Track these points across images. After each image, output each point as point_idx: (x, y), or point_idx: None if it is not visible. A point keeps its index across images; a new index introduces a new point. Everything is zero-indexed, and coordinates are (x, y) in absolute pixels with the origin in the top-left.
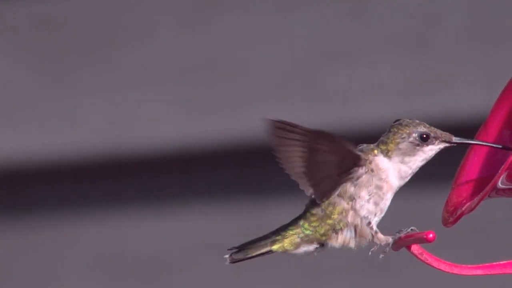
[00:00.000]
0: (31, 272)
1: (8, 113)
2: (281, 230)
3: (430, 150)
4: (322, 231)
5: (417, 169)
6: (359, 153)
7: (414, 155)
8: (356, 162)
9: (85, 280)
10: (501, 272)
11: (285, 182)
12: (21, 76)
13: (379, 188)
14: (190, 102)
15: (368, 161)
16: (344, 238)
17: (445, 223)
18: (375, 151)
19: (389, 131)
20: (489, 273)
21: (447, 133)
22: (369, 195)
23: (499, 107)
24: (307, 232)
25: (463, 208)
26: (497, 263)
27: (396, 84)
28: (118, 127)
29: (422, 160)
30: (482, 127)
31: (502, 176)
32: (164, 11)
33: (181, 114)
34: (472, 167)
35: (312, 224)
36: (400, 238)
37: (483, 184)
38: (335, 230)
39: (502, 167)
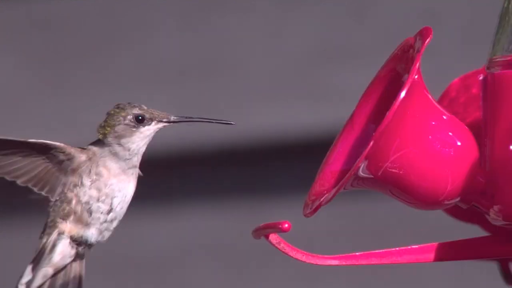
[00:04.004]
0: None
1: (8, 113)
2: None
3: (147, 130)
4: (53, 219)
5: (139, 148)
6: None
7: (131, 136)
8: (60, 152)
9: (85, 280)
10: (356, 263)
11: (285, 182)
12: (21, 76)
13: (99, 174)
14: (190, 102)
15: (90, 151)
16: (70, 226)
17: (304, 213)
18: (88, 146)
19: (107, 115)
20: (344, 263)
21: (165, 113)
22: (91, 181)
23: (365, 101)
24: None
25: (321, 199)
26: (353, 254)
27: None
28: None
29: (141, 140)
30: (349, 120)
31: (361, 167)
32: (164, 10)
33: (181, 114)
34: (336, 158)
35: (52, 213)
36: (259, 227)
37: (344, 176)
38: (63, 218)
39: (359, 159)
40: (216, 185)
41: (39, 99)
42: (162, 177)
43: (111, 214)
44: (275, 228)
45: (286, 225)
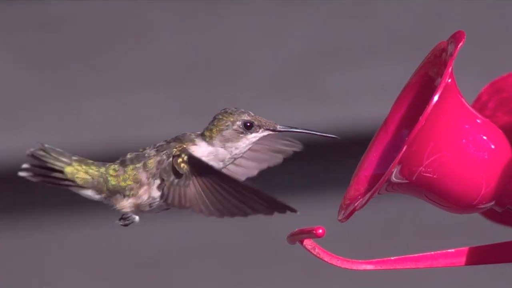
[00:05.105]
0: (31, 272)
1: (8, 112)
2: (85, 160)
3: (254, 138)
4: (110, 187)
5: (240, 154)
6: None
7: (237, 141)
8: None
9: (85, 280)
10: (391, 268)
11: (284, 182)
12: (22, 76)
13: None
14: (190, 102)
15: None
16: (124, 204)
17: (338, 217)
18: (195, 141)
19: (214, 119)
20: (380, 268)
21: (271, 122)
22: None
23: (398, 107)
24: (100, 179)
25: (356, 204)
26: (387, 258)
27: (396, 84)
28: (118, 127)
29: (246, 147)
30: (383, 126)
31: (393, 172)
32: (164, 11)
33: (181, 114)
34: (371, 163)
35: (108, 176)
36: (293, 232)
37: (378, 180)
38: (123, 194)
39: (392, 164)
40: None
41: (39, 99)
42: None
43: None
44: (309, 233)
45: (320, 231)
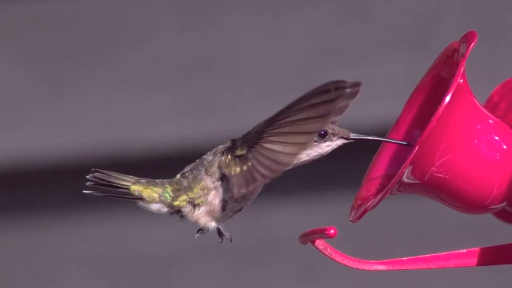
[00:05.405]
0: (31, 272)
1: (8, 112)
2: (150, 180)
3: (327, 146)
4: (179, 200)
5: (309, 161)
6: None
7: (309, 149)
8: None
9: (85, 280)
10: (403, 268)
11: (285, 182)
12: (21, 76)
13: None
14: (190, 102)
15: None
16: (198, 214)
17: (350, 218)
18: None
19: None
20: (392, 268)
21: (345, 130)
22: None
23: (410, 107)
24: (166, 195)
25: (367, 204)
26: (399, 259)
27: (396, 84)
28: (118, 127)
29: (317, 155)
30: (394, 126)
31: (405, 172)
32: (164, 11)
33: (181, 114)
34: (382, 163)
35: (174, 191)
36: (305, 232)
37: (390, 180)
38: (193, 204)
39: (404, 164)
40: None
41: (39, 99)
42: (162, 177)
43: (238, 212)
44: (321, 234)
45: (332, 231)
